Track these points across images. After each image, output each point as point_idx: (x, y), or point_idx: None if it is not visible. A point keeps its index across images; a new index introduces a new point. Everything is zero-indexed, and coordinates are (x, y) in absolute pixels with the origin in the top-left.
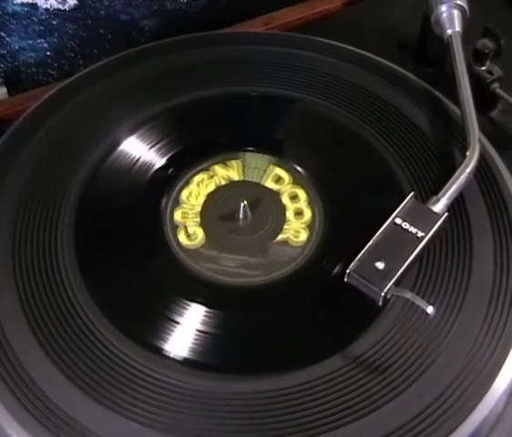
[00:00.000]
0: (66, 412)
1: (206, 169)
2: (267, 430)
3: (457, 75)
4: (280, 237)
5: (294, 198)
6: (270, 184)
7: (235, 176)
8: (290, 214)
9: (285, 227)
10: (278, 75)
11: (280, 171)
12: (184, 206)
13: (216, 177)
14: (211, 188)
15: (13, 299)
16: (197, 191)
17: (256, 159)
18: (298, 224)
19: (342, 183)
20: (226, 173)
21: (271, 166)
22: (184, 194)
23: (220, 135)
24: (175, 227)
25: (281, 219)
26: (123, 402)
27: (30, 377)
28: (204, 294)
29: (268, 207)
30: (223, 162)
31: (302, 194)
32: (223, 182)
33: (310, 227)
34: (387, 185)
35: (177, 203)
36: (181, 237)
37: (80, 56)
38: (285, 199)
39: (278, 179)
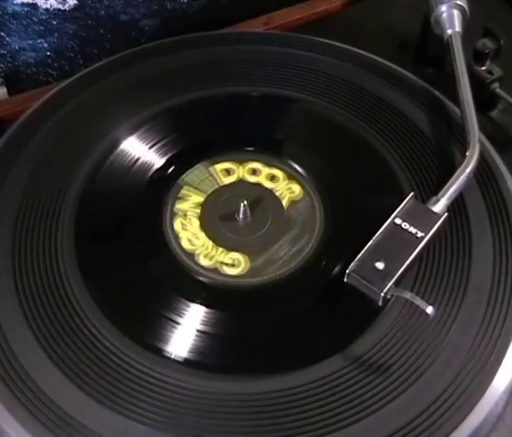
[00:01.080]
0: (65, 412)
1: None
2: (267, 430)
3: (457, 75)
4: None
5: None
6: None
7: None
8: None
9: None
10: (278, 75)
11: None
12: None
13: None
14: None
15: (12, 298)
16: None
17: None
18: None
19: (342, 183)
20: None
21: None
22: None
23: (219, 135)
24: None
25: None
26: (123, 402)
27: (30, 376)
28: (204, 294)
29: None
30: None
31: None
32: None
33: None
34: (387, 185)
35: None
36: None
37: (80, 56)
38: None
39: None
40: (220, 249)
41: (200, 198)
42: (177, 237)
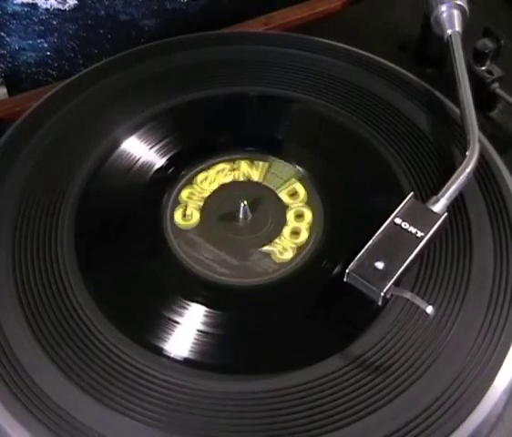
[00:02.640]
0: (65, 411)
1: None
2: (267, 430)
3: (457, 75)
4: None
5: (294, 194)
6: (283, 196)
7: (255, 176)
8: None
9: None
10: (278, 75)
11: (298, 187)
12: (183, 216)
13: (235, 173)
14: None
15: (12, 298)
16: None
17: (282, 167)
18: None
19: (341, 183)
20: (248, 170)
21: (293, 179)
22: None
23: (220, 135)
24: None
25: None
26: (123, 401)
27: (29, 375)
28: (204, 294)
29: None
30: (250, 160)
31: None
32: (241, 178)
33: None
34: (387, 185)
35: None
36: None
37: (80, 56)
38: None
39: (293, 194)
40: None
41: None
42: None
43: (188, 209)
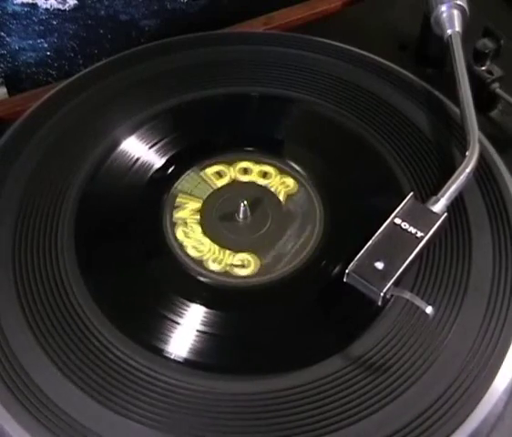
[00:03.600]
0: (65, 412)
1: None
2: (267, 430)
3: (457, 75)
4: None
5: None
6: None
7: (260, 177)
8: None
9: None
10: (278, 75)
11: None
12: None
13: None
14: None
15: (12, 298)
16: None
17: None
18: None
19: (342, 183)
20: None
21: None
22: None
23: (220, 135)
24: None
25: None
26: (123, 402)
27: (29, 376)
28: (204, 294)
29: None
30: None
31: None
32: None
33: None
34: (387, 185)
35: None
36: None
37: (80, 56)
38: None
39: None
40: (228, 252)
41: (197, 204)
42: (181, 246)
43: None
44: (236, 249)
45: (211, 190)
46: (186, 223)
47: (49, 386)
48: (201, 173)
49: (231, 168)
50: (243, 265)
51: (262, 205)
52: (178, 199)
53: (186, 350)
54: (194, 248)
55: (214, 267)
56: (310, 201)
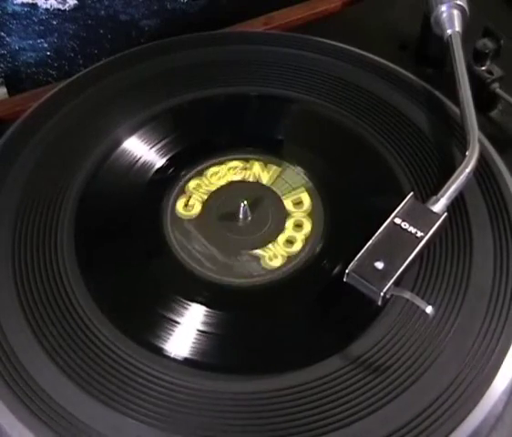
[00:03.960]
0: (65, 410)
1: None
2: (267, 430)
3: (457, 75)
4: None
5: (299, 203)
6: (288, 205)
7: (265, 179)
8: (289, 206)
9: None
10: (278, 75)
11: (304, 197)
12: (185, 205)
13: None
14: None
15: (12, 298)
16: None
17: (293, 175)
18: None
19: (341, 183)
20: (260, 172)
21: (302, 188)
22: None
23: (220, 135)
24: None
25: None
26: (124, 401)
27: (29, 374)
28: (204, 294)
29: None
30: (263, 162)
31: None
32: (251, 179)
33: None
34: (387, 185)
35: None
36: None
37: (80, 56)
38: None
39: (297, 203)
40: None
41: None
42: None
43: (190, 201)
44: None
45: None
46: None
47: (49, 385)
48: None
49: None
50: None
51: (263, 206)
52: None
53: (186, 350)
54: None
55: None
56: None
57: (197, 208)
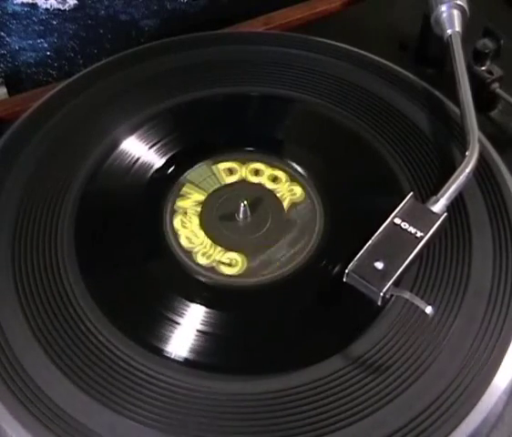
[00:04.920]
0: (66, 412)
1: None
2: (266, 430)
3: (457, 75)
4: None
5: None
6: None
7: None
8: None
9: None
10: (278, 75)
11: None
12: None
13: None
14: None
15: (12, 298)
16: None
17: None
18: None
19: (342, 183)
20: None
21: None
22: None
23: (219, 135)
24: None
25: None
26: (123, 402)
27: (29, 375)
28: (204, 294)
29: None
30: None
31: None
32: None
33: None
34: (387, 185)
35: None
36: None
37: (80, 56)
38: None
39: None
40: (219, 248)
41: (201, 197)
42: (176, 234)
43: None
44: (228, 247)
45: (218, 186)
46: (186, 213)
47: (49, 385)
48: (213, 167)
49: (243, 168)
50: (230, 264)
51: (264, 208)
52: (184, 188)
53: (185, 350)
54: (187, 238)
55: (202, 260)
56: (312, 210)
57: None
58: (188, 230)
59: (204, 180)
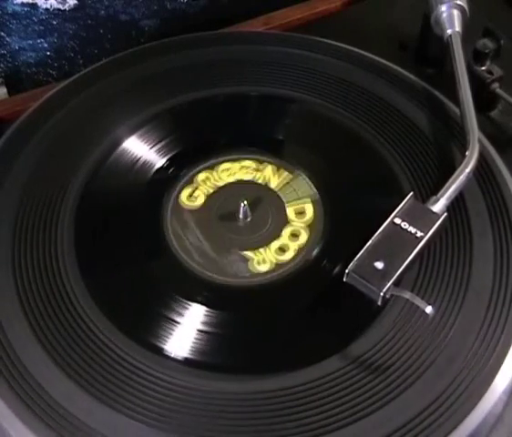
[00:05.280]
0: (66, 409)
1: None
2: (267, 430)
3: (457, 75)
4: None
5: (301, 213)
6: (290, 213)
7: (273, 183)
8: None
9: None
10: (278, 75)
11: (308, 207)
12: (190, 195)
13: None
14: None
15: (13, 298)
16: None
17: (303, 184)
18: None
19: (342, 183)
20: (270, 175)
21: (308, 199)
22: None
23: (220, 135)
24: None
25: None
26: (124, 401)
27: (29, 373)
28: (204, 294)
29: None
30: (277, 166)
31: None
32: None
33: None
34: (387, 185)
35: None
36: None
37: (80, 56)
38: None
39: (300, 213)
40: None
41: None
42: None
43: (195, 192)
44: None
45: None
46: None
47: (49, 383)
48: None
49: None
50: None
51: (264, 208)
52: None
53: (185, 350)
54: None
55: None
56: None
57: (200, 200)
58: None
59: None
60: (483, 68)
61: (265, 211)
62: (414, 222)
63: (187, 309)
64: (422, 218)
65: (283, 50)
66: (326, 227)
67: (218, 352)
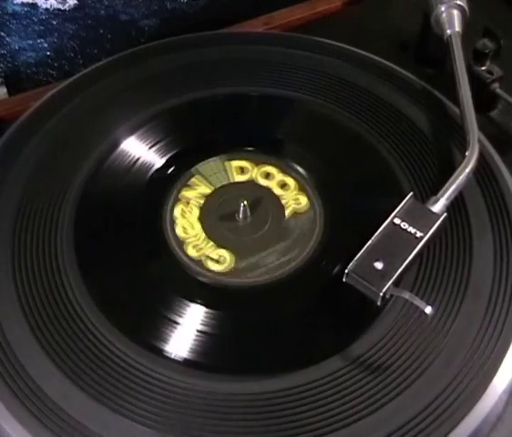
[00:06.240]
0: (66, 411)
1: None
2: (267, 430)
3: (457, 75)
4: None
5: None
6: (289, 213)
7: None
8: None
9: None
10: (278, 75)
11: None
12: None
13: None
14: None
15: (12, 298)
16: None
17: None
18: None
19: (342, 183)
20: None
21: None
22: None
23: (219, 135)
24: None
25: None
26: (123, 402)
27: (29, 375)
28: (204, 294)
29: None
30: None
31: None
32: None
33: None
34: (387, 185)
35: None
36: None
37: (80, 56)
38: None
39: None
40: (211, 243)
41: (208, 190)
42: (173, 222)
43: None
44: (220, 244)
45: (227, 182)
46: (188, 203)
47: (47, 383)
48: (226, 163)
49: (255, 169)
50: (218, 260)
51: (265, 210)
52: (192, 179)
53: (185, 350)
54: (183, 228)
55: (192, 252)
56: (312, 211)
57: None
58: (185, 220)
59: (216, 174)
60: (483, 68)
61: (265, 211)
62: (414, 222)
63: (186, 309)
64: (422, 219)
65: (283, 50)
66: (326, 227)
67: (217, 353)
